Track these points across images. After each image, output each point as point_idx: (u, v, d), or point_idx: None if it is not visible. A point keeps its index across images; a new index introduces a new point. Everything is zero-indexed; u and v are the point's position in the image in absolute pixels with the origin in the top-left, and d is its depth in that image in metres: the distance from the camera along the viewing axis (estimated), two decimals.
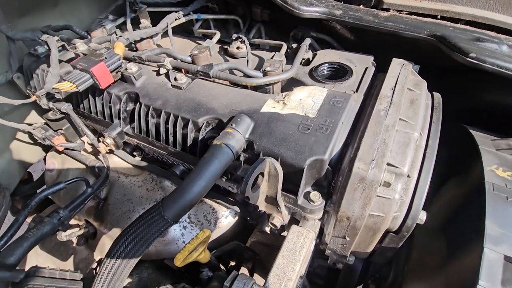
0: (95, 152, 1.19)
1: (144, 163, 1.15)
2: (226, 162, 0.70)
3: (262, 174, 0.70)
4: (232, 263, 1.10)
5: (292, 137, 0.73)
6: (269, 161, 0.68)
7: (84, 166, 1.17)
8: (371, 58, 1.02)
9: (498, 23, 0.86)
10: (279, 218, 0.81)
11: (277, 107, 0.81)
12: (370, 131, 0.70)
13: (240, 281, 0.66)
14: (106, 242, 1.14)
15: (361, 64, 0.99)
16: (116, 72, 0.99)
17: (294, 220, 0.87)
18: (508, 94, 0.94)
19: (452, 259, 0.73)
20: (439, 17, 0.97)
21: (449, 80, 1.11)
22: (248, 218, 0.97)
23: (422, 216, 0.71)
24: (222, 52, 1.21)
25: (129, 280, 1.08)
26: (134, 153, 1.21)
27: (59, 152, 1.25)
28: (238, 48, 1.15)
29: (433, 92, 0.91)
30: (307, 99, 0.81)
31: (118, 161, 1.19)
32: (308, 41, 1.09)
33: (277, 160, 0.72)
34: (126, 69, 0.97)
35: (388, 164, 0.66)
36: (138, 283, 1.09)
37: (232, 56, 1.17)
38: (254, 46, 1.26)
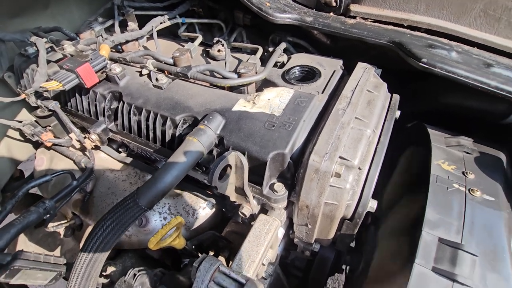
0: (82, 148, 1.26)
1: (128, 159, 1.21)
2: (197, 155, 0.78)
3: (230, 166, 0.78)
4: (212, 253, 1.17)
5: (258, 133, 0.81)
6: (235, 154, 0.75)
7: (71, 161, 1.23)
8: (340, 62, 1.10)
9: (450, 31, 0.95)
10: (248, 208, 0.88)
11: (247, 106, 0.88)
12: (327, 128, 0.78)
13: (208, 261, 0.74)
14: None
15: (330, 67, 1.07)
16: (102, 73, 1.06)
17: (264, 211, 0.94)
18: (462, 97, 1.03)
19: (402, 245, 0.81)
20: (405, 25, 1.05)
21: (413, 83, 1.20)
22: (224, 209, 1.05)
23: (373, 204, 0.79)
24: (204, 55, 1.29)
25: (113, 269, 1.14)
26: (120, 150, 1.27)
27: (48, 149, 1.32)
28: (219, 51, 1.23)
29: (393, 94, 0.99)
30: (275, 99, 0.89)
31: (105, 157, 1.26)
32: (283, 45, 1.17)
33: (244, 154, 0.80)
34: (110, 69, 1.04)
35: (340, 157, 0.73)
36: (122, 272, 1.15)
37: (214, 58, 1.24)
38: (236, 49, 1.34)
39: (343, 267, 1.43)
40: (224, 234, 1.07)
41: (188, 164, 0.75)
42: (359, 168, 0.76)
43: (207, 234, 1.04)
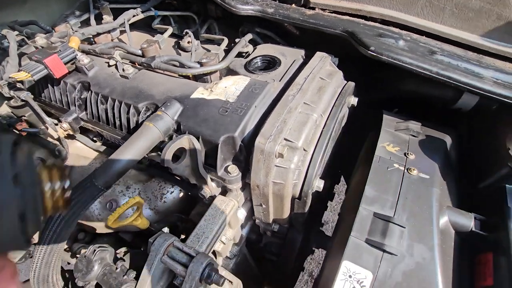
0: (58, 138, 1.30)
1: (103, 148, 1.26)
2: (153, 139, 0.83)
3: (185, 149, 0.83)
4: (183, 236, 1.23)
5: (212, 118, 0.86)
6: (188, 137, 0.80)
7: (47, 151, 1.28)
8: (302, 51, 1.15)
9: (401, 21, 0.99)
10: (207, 189, 0.93)
11: (205, 94, 0.93)
12: (275, 112, 0.83)
13: (162, 237, 0.79)
14: None
15: (291, 56, 1.11)
16: (71, 64, 1.10)
17: (224, 193, 1.00)
18: (415, 84, 1.08)
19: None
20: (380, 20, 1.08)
21: (375, 72, 1.24)
22: (190, 193, 1.10)
23: (320, 184, 0.84)
24: (176, 46, 1.33)
25: None
26: (95, 139, 1.32)
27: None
28: (188, 42, 1.27)
29: (348, 82, 1.04)
30: (231, 87, 0.94)
31: (80, 146, 1.31)
32: (248, 36, 1.21)
33: (198, 138, 0.85)
34: (79, 60, 1.08)
35: (285, 139, 0.78)
36: None
37: (184, 50, 1.29)
38: (210, 40, 1.38)
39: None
40: (191, 216, 1.12)
41: (143, 147, 0.80)
42: (304, 150, 0.81)
43: (174, 216, 1.10)
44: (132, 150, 0.79)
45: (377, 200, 0.77)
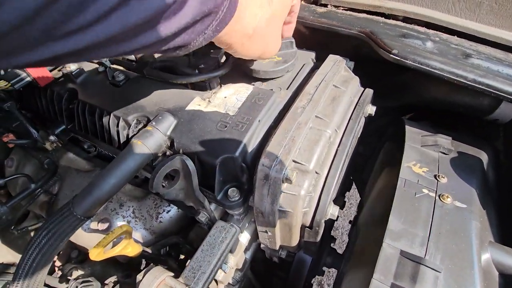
0: (52, 148, 1.21)
1: (97, 160, 1.17)
2: (142, 159, 0.72)
3: (177, 171, 0.72)
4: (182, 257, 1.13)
5: (209, 135, 0.74)
6: (180, 158, 0.69)
7: (38, 163, 1.20)
8: (313, 54, 1.02)
9: (428, 19, 0.86)
10: (204, 214, 0.83)
11: (202, 105, 0.82)
12: (282, 129, 0.71)
13: (151, 274, 0.69)
14: None
15: (301, 60, 0.99)
16: (58, 70, 1.01)
17: (225, 216, 0.89)
18: (444, 91, 0.94)
19: (370, 256, 0.75)
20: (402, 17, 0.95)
21: (396, 76, 1.11)
22: (187, 213, 0.99)
23: (334, 212, 0.72)
24: None
25: (81, 272, 1.11)
26: (89, 150, 1.23)
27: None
28: None
29: (366, 89, 0.91)
30: (232, 97, 0.82)
31: (73, 158, 1.22)
32: None
33: (194, 157, 0.74)
34: (65, 67, 0.98)
35: (294, 161, 0.67)
36: (91, 275, 1.12)
37: (186, 54, 1.18)
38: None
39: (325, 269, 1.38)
40: (190, 239, 1.02)
41: (130, 170, 0.70)
42: (317, 173, 0.69)
43: (171, 239, 1.00)
44: (118, 173, 0.68)
45: (404, 234, 0.64)
